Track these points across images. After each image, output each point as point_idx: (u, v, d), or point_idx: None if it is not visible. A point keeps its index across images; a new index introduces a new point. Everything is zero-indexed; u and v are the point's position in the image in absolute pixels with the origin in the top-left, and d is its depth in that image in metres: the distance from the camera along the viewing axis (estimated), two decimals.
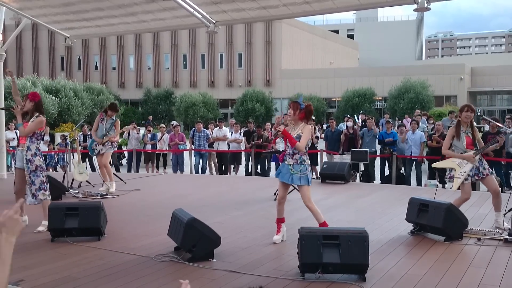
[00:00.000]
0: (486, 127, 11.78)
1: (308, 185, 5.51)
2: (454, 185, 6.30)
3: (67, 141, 13.15)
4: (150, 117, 27.83)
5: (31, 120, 6.46)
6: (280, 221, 5.77)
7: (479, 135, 6.44)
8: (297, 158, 5.51)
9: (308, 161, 5.61)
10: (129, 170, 14.80)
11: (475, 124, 6.49)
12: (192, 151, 14.30)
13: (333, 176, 10.63)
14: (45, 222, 6.18)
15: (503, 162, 11.17)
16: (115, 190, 9.46)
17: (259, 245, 5.64)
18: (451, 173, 6.33)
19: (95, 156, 10.14)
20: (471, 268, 4.79)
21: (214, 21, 9.64)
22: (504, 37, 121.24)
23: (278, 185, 5.81)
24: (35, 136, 6.45)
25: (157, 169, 15.24)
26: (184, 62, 47.67)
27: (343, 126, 15.74)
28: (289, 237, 5.79)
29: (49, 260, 5.08)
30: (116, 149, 10.16)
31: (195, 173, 14.13)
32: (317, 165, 13.19)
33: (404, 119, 19.62)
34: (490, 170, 6.36)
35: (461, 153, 6.28)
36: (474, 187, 10.54)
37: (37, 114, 6.51)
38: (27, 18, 10.78)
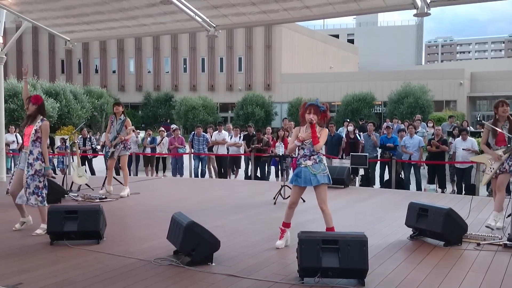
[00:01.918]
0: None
1: (329, 184, 5.53)
2: (483, 180, 6.67)
3: (66, 144, 13.13)
4: (168, 121, 28.01)
5: (37, 123, 6.47)
6: (286, 225, 5.74)
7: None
8: (315, 158, 5.50)
9: (325, 161, 5.64)
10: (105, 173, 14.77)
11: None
12: (192, 155, 14.31)
13: (332, 180, 10.58)
14: (44, 225, 6.21)
15: None
16: (127, 194, 9.44)
17: (258, 249, 5.64)
18: (484, 167, 6.70)
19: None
20: (471, 273, 4.79)
21: (215, 25, 9.65)
22: (503, 42, 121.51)
23: (292, 190, 5.73)
24: (39, 141, 6.44)
25: (157, 172, 15.24)
26: (184, 66, 47.69)
27: (342, 130, 15.76)
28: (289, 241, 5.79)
29: (48, 264, 5.07)
30: (130, 151, 10.06)
31: (195, 176, 14.13)
32: None
33: (384, 123, 19.53)
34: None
35: (493, 149, 6.48)
36: (474, 191, 10.58)
37: (41, 117, 6.53)
38: (28, 21, 10.79)
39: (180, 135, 15.27)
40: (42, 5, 9.78)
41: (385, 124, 20.05)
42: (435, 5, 7.55)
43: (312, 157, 5.50)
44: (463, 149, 11.32)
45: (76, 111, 32.67)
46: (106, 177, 10.81)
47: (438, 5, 7.69)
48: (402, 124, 16.59)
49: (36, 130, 6.41)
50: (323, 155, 13.39)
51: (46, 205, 6.45)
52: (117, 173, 14.25)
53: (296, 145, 5.60)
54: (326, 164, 5.64)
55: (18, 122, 27.05)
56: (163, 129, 16.22)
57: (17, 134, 16.75)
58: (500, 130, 6.28)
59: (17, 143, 16.40)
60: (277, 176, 13.62)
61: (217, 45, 45.49)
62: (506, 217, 6.49)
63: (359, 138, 13.36)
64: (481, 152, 7.11)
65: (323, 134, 5.51)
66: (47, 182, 6.72)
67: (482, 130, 12.45)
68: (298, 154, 5.60)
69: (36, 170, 6.38)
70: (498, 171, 6.38)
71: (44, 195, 6.45)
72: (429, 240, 5.96)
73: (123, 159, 9.55)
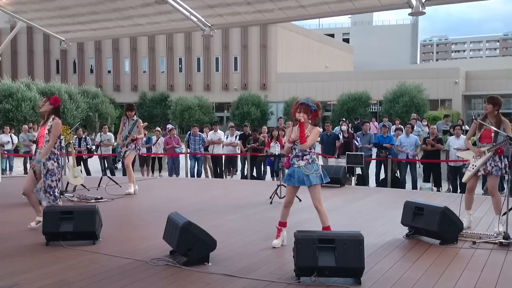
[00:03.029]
0: None
1: (321, 184, 5.51)
2: (464, 177, 6.56)
3: (62, 144, 13.08)
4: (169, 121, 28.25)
5: (49, 123, 6.58)
6: (282, 225, 5.75)
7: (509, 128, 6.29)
8: (308, 158, 5.48)
9: (317, 160, 5.64)
10: (124, 174, 14.75)
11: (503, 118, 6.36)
12: (188, 155, 14.29)
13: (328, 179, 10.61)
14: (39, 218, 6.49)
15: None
16: (133, 191, 9.56)
17: (254, 249, 5.64)
18: (466, 164, 6.62)
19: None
20: (466, 272, 4.81)
21: (210, 25, 9.65)
22: (498, 41, 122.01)
23: (286, 190, 5.74)
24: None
25: (153, 172, 15.21)
26: (180, 66, 47.62)
27: (338, 130, 15.76)
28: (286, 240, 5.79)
29: (44, 264, 5.06)
30: (139, 151, 10.23)
31: (191, 176, 14.11)
32: None
33: (371, 122, 19.50)
34: (496, 170, 6.28)
35: (477, 147, 6.45)
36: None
37: (53, 116, 6.65)
38: (23, 21, 10.75)
39: (176, 135, 15.25)
40: (36, 5, 9.75)
41: (370, 124, 20.06)
42: (429, 4, 7.58)
43: (304, 157, 5.49)
44: (454, 148, 11.36)
45: (71, 111, 32.59)
46: (101, 178, 10.81)
47: (432, 4, 7.72)
48: (390, 123, 16.64)
49: (49, 130, 6.56)
50: (319, 154, 13.40)
51: (60, 203, 6.58)
52: (112, 173, 14.23)
53: (289, 146, 5.60)
54: (319, 164, 5.63)
55: (13, 122, 26.98)
56: (158, 129, 16.19)
57: (12, 135, 16.69)
58: (493, 128, 6.26)
59: (12, 143, 16.33)
60: (272, 175, 13.62)
61: (212, 44, 45.43)
62: (501, 216, 6.52)
63: (356, 142, 13.36)
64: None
65: (313, 133, 5.49)
66: None
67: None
68: (291, 154, 5.61)
69: (49, 169, 6.50)
70: (482, 171, 6.36)
71: (57, 194, 6.57)
72: (425, 239, 5.98)
73: (129, 157, 9.64)
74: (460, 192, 10.94)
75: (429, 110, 35.07)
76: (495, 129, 6.20)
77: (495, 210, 6.35)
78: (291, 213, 5.80)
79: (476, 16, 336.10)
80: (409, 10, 7.62)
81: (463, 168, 6.73)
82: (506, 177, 6.38)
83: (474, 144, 6.59)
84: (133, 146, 9.62)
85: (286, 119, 27.77)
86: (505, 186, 11.39)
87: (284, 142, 5.89)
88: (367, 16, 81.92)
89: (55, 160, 6.58)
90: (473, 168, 6.39)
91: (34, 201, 6.61)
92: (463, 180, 6.59)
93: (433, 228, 5.73)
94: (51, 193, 6.51)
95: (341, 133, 13.57)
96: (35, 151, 6.81)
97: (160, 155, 15.35)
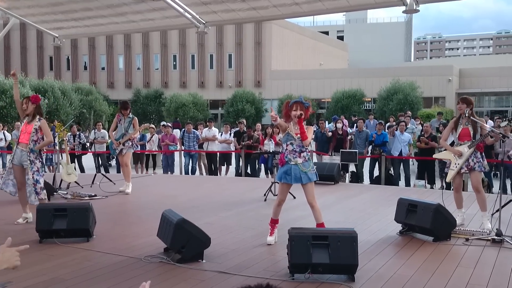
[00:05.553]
0: None
1: (316, 180, 5.57)
2: (447, 176, 6.59)
3: (55, 141, 13.03)
4: (177, 119, 28.24)
5: (35, 122, 6.71)
6: (275, 222, 5.76)
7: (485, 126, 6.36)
8: (305, 155, 5.51)
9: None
10: (118, 171, 14.72)
11: (477, 117, 6.44)
12: (182, 152, 14.27)
13: (322, 177, 10.62)
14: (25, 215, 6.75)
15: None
16: (130, 191, 9.50)
17: (248, 246, 5.64)
18: (448, 163, 6.62)
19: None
20: (459, 268, 4.83)
21: (204, 22, 9.62)
22: (491, 39, 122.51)
23: (279, 187, 5.73)
24: (39, 140, 6.74)
25: (147, 169, 15.18)
26: (174, 63, 47.47)
27: (332, 126, 15.78)
28: (279, 237, 5.79)
29: (37, 262, 5.04)
30: (135, 149, 10.28)
31: (185, 173, 14.10)
32: None
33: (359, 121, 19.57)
34: (479, 166, 6.37)
35: (456, 144, 6.48)
36: (464, 187, 10.65)
37: (38, 117, 6.78)
38: (15, 17, 10.67)
39: (171, 133, 15.22)
40: (29, 1, 9.69)
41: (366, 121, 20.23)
42: (423, 2, 7.58)
43: (301, 154, 5.50)
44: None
45: (64, 108, 32.40)
46: (95, 175, 10.78)
47: (426, 1, 7.73)
48: (377, 121, 16.73)
49: (36, 130, 6.68)
50: (313, 152, 13.41)
51: (42, 198, 6.67)
52: (106, 171, 14.19)
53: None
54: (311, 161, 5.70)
55: (7, 119, 26.81)
56: (153, 126, 16.15)
57: (5, 132, 16.59)
58: (483, 125, 6.31)
59: (5, 140, 16.24)
60: (267, 173, 13.62)
61: (207, 41, 45.32)
62: (494, 213, 6.56)
63: (349, 131, 13.38)
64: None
65: (309, 131, 5.55)
66: None
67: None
68: (286, 149, 5.56)
69: (38, 168, 6.69)
70: (465, 168, 6.40)
71: (38, 190, 6.66)
72: (418, 236, 6.00)
73: (127, 155, 9.68)
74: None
75: (423, 108, 35.20)
76: (487, 127, 6.25)
77: (481, 207, 6.41)
78: (285, 211, 5.81)
79: (466, 14, 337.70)
80: (403, 8, 7.62)
81: (445, 168, 6.74)
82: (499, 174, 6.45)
83: (435, 140, 6.65)
84: (130, 143, 9.63)
85: (281, 116, 27.72)
86: (499, 183, 11.46)
87: (280, 137, 5.90)
88: (361, 13, 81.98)
89: (40, 159, 6.78)
90: (456, 167, 6.44)
91: (24, 197, 6.74)
92: (447, 179, 6.63)
93: (426, 225, 5.76)
94: (36, 191, 6.64)
95: (336, 130, 13.57)
96: (15, 150, 6.77)
97: (154, 152, 15.32)
